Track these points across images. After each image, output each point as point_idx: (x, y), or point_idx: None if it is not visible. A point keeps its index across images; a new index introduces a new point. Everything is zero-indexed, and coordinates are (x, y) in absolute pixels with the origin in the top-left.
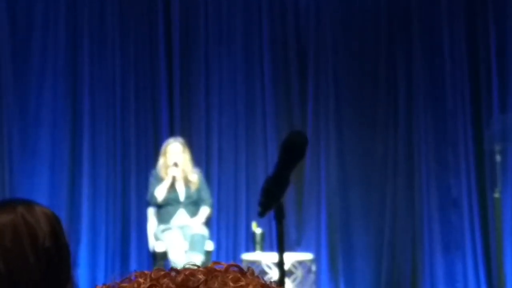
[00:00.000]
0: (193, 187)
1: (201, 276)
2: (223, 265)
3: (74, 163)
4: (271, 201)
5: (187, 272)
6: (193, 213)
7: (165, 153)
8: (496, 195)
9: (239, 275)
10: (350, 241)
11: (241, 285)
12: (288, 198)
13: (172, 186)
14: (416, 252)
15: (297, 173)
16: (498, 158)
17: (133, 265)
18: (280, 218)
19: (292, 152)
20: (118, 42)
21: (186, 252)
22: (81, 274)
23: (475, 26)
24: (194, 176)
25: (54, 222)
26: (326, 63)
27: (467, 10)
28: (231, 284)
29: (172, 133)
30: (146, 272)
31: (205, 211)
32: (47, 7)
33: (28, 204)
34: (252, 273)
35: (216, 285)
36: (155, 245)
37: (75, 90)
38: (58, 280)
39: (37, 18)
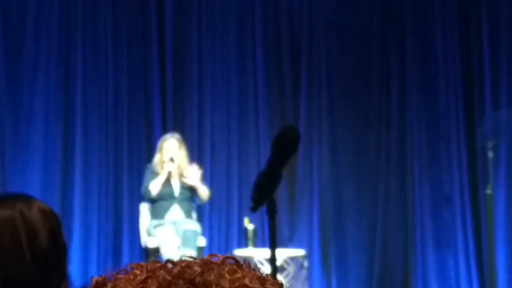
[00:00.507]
0: (188, 184)
1: (197, 268)
2: (219, 257)
3: (67, 159)
4: (263, 197)
5: (183, 264)
6: (187, 209)
7: (161, 149)
8: (488, 191)
9: (235, 267)
10: (343, 237)
11: (237, 277)
12: (281, 194)
13: (167, 182)
14: (408, 248)
15: (290, 169)
16: (490, 154)
17: (125, 260)
18: (272, 213)
19: (284, 147)
20: (111, 39)
21: (178, 247)
22: (73, 269)
23: (468, 23)
24: (190, 173)
25: (52, 220)
26: (319, 60)
27: (460, 9)
28: (227, 276)
29: (164, 129)
30: (142, 263)
31: (206, 189)
32: (40, 4)
33: (28, 200)
34: (248, 265)
35: (212, 277)
36: (148, 241)
37: (68, 86)
38: (54, 278)
39: (30, 14)
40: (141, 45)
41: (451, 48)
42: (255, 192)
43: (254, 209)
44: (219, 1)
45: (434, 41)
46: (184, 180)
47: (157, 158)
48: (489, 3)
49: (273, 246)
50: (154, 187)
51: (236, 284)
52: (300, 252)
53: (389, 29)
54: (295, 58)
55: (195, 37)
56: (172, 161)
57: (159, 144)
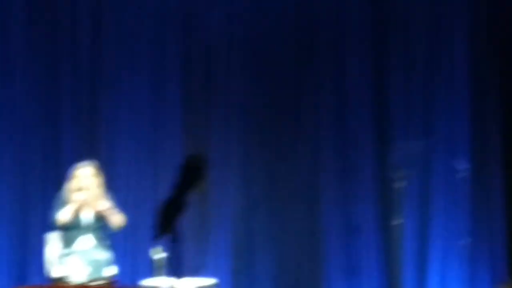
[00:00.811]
0: (99, 211)
1: None
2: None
3: None
4: (167, 224)
5: None
6: (98, 238)
7: (74, 177)
8: (398, 221)
9: None
10: (254, 267)
11: None
12: (192, 222)
13: (78, 211)
14: (318, 277)
15: (202, 197)
16: (400, 184)
17: None
18: (175, 241)
19: (187, 175)
20: (21, 64)
21: (87, 276)
22: None
23: (382, 54)
24: (103, 202)
25: None
26: (233, 88)
27: (374, 39)
28: None
29: (76, 157)
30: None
31: (118, 216)
32: None
33: None
34: None
35: None
36: (56, 270)
37: None
38: None
39: None
40: (52, 74)
41: (364, 78)
42: (159, 220)
43: (157, 237)
44: (131, 34)
45: (345, 71)
46: (96, 208)
47: (69, 185)
48: (404, 34)
49: (175, 273)
50: (64, 216)
51: None
52: (211, 281)
53: (303, 58)
54: (209, 86)
55: (111, 65)
56: (83, 190)
57: (72, 172)
